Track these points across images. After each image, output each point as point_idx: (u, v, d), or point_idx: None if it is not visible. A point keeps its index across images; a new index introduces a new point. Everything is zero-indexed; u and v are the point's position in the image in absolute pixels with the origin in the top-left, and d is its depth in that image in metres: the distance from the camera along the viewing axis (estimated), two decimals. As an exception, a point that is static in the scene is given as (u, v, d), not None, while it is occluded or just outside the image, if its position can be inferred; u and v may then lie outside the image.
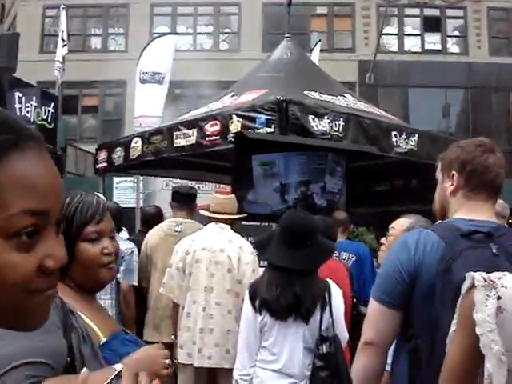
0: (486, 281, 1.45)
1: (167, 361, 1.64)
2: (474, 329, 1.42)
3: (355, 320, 4.04)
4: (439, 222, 2.37)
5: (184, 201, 5.69)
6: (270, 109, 5.60)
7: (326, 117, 5.79)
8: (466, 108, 21.75)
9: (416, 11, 22.62)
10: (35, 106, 8.18)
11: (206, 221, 4.95)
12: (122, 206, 6.42)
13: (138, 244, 5.53)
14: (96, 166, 8.26)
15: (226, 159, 6.78)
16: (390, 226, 3.65)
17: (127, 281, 5.17)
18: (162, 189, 14.97)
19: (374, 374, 2.27)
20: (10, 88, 8.16)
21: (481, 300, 1.43)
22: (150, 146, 6.94)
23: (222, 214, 4.73)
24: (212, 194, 5.22)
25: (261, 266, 4.39)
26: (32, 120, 8.08)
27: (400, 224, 3.52)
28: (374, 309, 2.24)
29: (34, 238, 0.77)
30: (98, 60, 21.11)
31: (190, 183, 9.60)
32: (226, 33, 23.29)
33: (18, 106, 8.01)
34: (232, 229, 4.76)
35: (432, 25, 22.49)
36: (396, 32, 22.61)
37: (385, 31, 20.45)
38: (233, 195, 5.07)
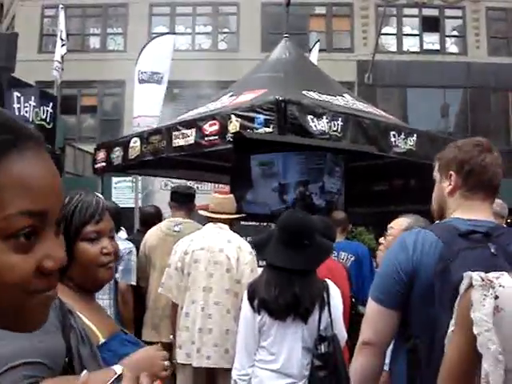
0: (483, 280, 1.46)
1: (166, 362, 1.64)
2: (472, 328, 1.42)
3: (354, 320, 4.04)
4: (437, 221, 2.38)
5: (183, 201, 5.69)
6: (268, 109, 5.60)
7: (324, 117, 5.79)
8: (465, 108, 21.76)
9: (415, 11, 22.62)
10: (34, 106, 8.18)
11: (204, 221, 4.95)
12: (121, 205, 6.43)
13: (137, 244, 5.53)
14: (95, 166, 8.26)
15: (224, 159, 6.78)
16: (389, 225, 3.65)
17: (125, 280, 5.18)
18: (161, 189, 14.99)
19: (372, 374, 2.27)
20: (9, 88, 8.16)
21: (478, 299, 1.44)
22: (148, 146, 6.94)
23: (221, 213, 4.73)
24: (211, 194, 5.21)
25: (259, 266, 4.40)
26: (31, 120, 8.08)
27: (399, 224, 3.52)
28: (372, 309, 2.24)
29: (32, 238, 0.77)
30: (96, 60, 21.09)
31: (189, 183, 9.62)
32: (224, 33, 23.27)
33: (16, 105, 8.00)
34: (231, 229, 4.76)
35: (431, 25, 22.49)
36: (395, 32, 22.60)
37: (383, 31, 20.43)
38: (231, 195, 5.07)
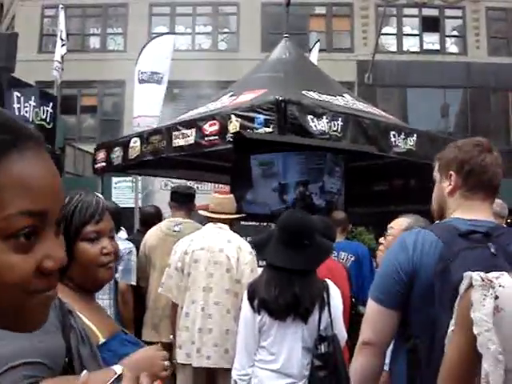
0: (483, 280, 1.46)
1: (166, 362, 1.64)
2: (472, 328, 1.42)
3: (354, 320, 4.04)
4: (437, 221, 2.38)
5: (183, 201, 5.69)
6: (268, 109, 5.60)
7: (324, 117, 5.79)
8: (465, 108, 21.76)
9: (415, 11, 22.62)
10: (34, 106, 8.18)
11: (204, 221, 4.95)
12: (121, 205, 6.43)
13: (137, 244, 5.53)
14: (95, 166, 8.26)
15: (224, 159, 6.79)
16: (389, 225, 3.65)
17: (125, 280, 5.18)
18: (161, 189, 14.99)
19: (372, 374, 2.27)
20: (9, 88, 8.15)
21: (478, 299, 1.43)
22: (148, 146, 6.94)
23: (221, 213, 4.73)
24: (211, 194, 5.21)
25: (259, 266, 4.39)
26: (31, 120, 8.07)
27: (399, 224, 3.52)
28: (372, 309, 2.24)
29: (32, 238, 0.77)
30: (96, 60, 21.10)
31: (189, 183, 9.62)
32: (224, 33, 23.28)
33: (16, 105, 8.00)
34: (231, 229, 4.76)
35: (430, 25, 22.49)
36: (395, 32, 22.60)
37: (383, 31, 20.43)
38: (231, 195, 5.07)
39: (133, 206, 11.00)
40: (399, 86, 21.26)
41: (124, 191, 15.19)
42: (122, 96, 21.00)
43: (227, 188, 6.95)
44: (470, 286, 1.48)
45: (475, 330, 1.41)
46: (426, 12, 22.54)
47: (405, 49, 22.44)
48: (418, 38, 22.63)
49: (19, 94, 7.97)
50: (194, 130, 6.22)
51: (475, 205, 2.22)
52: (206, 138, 6.06)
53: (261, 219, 6.18)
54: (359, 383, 2.30)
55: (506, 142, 20.23)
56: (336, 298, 3.42)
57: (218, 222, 4.71)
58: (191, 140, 6.24)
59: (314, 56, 11.95)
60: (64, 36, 13.42)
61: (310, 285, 3.32)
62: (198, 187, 10.42)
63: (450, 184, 2.27)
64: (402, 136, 6.44)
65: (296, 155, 5.99)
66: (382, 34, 20.30)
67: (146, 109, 10.99)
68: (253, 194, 6.05)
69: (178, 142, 6.43)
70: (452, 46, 22.74)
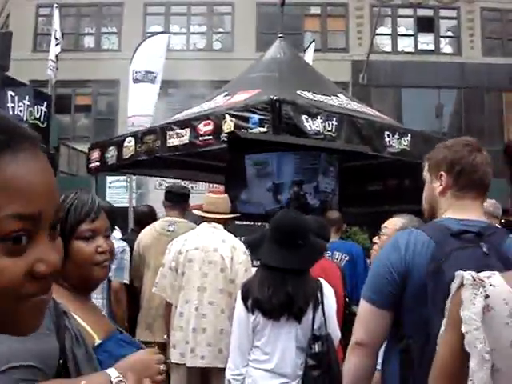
0: (474, 279, 1.46)
1: (162, 366, 1.63)
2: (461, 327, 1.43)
3: (347, 319, 4.04)
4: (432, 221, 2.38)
5: (177, 200, 5.69)
6: (263, 108, 5.60)
7: (319, 117, 5.80)
8: (459, 108, 21.82)
9: (409, 11, 22.67)
10: (28, 105, 8.15)
11: (198, 221, 4.95)
12: (115, 205, 6.42)
13: (131, 243, 5.53)
14: (89, 166, 8.24)
15: (219, 159, 6.79)
16: (383, 225, 3.66)
17: (118, 279, 5.17)
18: (155, 188, 14.98)
19: (365, 375, 2.27)
20: (3, 87, 8.12)
21: (468, 298, 1.44)
22: (143, 146, 6.93)
23: (215, 213, 4.72)
24: (205, 194, 5.21)
25: (254, 266, 4.39)
26: (25, 119, 8.04)
27: (393, 223, 3.53)
28: (364, 309, 2.24)
29: (24, 242, 0.75)
30: (91, 59, 21.06)
31: (183, 183, 9.60)
32: (219, 32, 23.28)
33: (10, 105, 7.97)
34: (225, 228, 4.76)
35: (425, 25, 22.55)
36: (389, 32, 22.65)
37: (378, 31, 20.48)
38: (226, 195, 5.07)
39: (127, 205, 10.99)
40: (394, 86, 21.30)
41: (118, 191, 15.19)
42: (117, 95, 20.97)
43: (221, 188, 6.95)
44: (462, 285, 1.48)
45: (463, 329, 1.42)
46: (421, 12, 22.59)
47: (399, 49, 22.49)
48: (412, 38, 22.69)
49: (13, 93, 7.94)
50: (188, 130, 6.22)
51: (466, 204, 2.22)
52: (200, 138, 6.06)
53: (255, 219, 6.18)
54: (351, 384, 2.30)
55: (500, 141, 20.21)
56: (330, 297, 3.42)
57: (213, 221, 4.71)
58: (185, 140, 6.24)
59: (309, 56, 11.96)
60: (58, 35, 13.38)
61: (304, 284, 3.32)
62: (192, 187, 10.42)
63: (440, 184, 2.28)
64: (397, 136, 6.45)
65: (290, 155, 6.00)
66: (377, 34, 20.35)
67: (140, 108, 10.97)
68: (247, 193, 6.06)
69: (173, 141, 6.42)
70: (446, 47, 22.80)
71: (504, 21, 22.46)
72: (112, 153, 7.52)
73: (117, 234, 7.59)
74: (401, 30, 22.81)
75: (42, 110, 8.38)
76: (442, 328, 1.55)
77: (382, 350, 2.32)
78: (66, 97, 20.85)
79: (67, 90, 20.63)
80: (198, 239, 4.62)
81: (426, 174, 2.38)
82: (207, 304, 4.47)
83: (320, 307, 3.31)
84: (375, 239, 3.80)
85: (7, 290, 0.75)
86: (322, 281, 3.45)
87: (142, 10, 22.45)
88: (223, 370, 3.70)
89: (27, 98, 8.12)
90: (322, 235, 4.02)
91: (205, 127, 6.01)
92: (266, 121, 5.54)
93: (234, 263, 4.50)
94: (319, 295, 3.33)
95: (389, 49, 22.44)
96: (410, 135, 6.62)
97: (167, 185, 8.85)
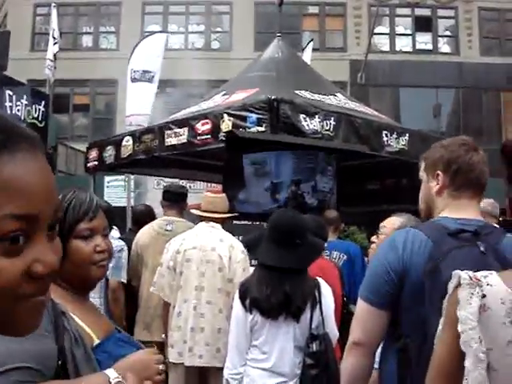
0: (471, 279, 1.46)
1: (161, 366, 1.62)
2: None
3: (345, 318, 4.04)
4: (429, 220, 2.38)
5: (175, 200, 5.68)
6: (261, 108, 5.61)
7: (317, 116, 5.80)
8: (457, 108, 21.83)
9: (407, 11, 22.69)
10: (26, 105, 8.13)
11: (196, 220, 4.94)
12: (113, 204, 6.37)
13: (129, 243, 5.53)
14: (87, 165, 8.24)
15: (217, 158, 6.78)
16: (381, 224, 3.66)
17: (116, 277, 5.17)
18: (154, 188, 14.94)
19: (362, 374, 2.27)
20: (1, 86, 8.10)
21: (465, 298, 1.44)
22: (141, 145, 6.94)
23: (213, 212, 4.72)
24: (203, 193, 5.21)
25: (252, 265, 4.39)
26: (23, 118, 8.03)
27: (391, 223, 3.52)
28: (361, 308, 2.24)
29: (21, 242, 0.75)
30: (89, 58, 21.05)
31: (181, 182, 9.61)
32: (217, 32, 23.28)
33: (8, 104, 7.96)
34: (223, 228, 4.76)
35: (423, 25, 22.57)
36: (387, 32, 22.66)
37: (376, 31, 20.47)
38: (224, 194, 5.07)
39: (125, 205, 10.97)
40: (392, 85, 21.32)
41: (116, 190, 15.15)
42: (115, 95, 20.96)
43: (219, 187, 6.95)
44: (459, 284, 1.48)
45: (459, 328, 1.42)
46: (419, 12, 22.61)
47: (397, 48, 22.51)
48: (410, 37, 22.71)
49: (11, 93, 7.93)
50: (186, 129, 6.22)
51: (463, 203, 2.22)
52: (198, 137, 6.06)
53: (253, 218, 6.18)
54: (349, 383, 2.30)
55: (498, 141, 20.25)
56: (327, 296, 3.43)
57: (211, 221, 4.71)
58: (184, 139, 6.24)
59: (307, 55, 11.95)
60: (56, 34, 13.38)
61: (302, 283, 3.32)
62: (190, 186, 10.41)
63: (437, 183, 2.28)
64: (394, 135, 6.46)
65: (288, 154, 6.00)
66: (375, 34, 20.35)
67: (137, 107, 10.97)
68: (245, 193, 6.06)
69: (171, 140, 6.43)
70: (444, 46, 22.82)
71: (502, 20, 22.48)
72: (110, 152, 7.53)
73: (115, 233, 7.58)
74: (399, 30, 22.83)
75: (39, 109, 8.36)
76: (440, 328, 1.55)
77: (379, 349, 2.32)
78: (64, 96, 20.81)
79: (65, 89, 20.59)
80: (196, 238, 4.62)
81: (422, 174, 2.38)
82: (205, 303, 4.47)
83: (318, 306, 3.31)
84: (373, 238, 3.80)
85: (4, 290, 0.75)
86: (320, 280, 3.45)
87: (140, 10, 22.44)
88: (221, 369, 3.70)
89: (25, 97, 8.11)
90: (319, 234, 4.02)
91: (203, 126, 6.01)
92: (263, 120, 5.54)
93: (232, 262, 4.50)
94: (317, 294, 3.33)
95: (387, 48, 22.45)
96: (407, 135, 6.63)
97: (165, 184, 8.84)
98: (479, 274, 1.48)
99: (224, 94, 6.90)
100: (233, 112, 5.80)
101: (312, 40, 14.29)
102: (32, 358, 1.30)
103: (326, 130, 5.84)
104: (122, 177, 13.07)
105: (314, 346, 3.27)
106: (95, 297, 4.77)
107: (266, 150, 5.91)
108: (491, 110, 21.58)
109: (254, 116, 5.58)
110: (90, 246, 1.77)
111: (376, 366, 2.36)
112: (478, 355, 1.38)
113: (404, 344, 2.12)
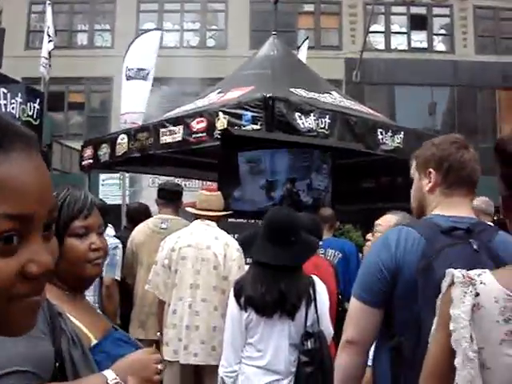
0: (464, 277, 1.46)
1: (159, 366, 1.61)
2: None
3: (340, 316, 4.04)
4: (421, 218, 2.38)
5: (170, 198, 5.68)
6: (256, 106, 5.61)
7: (312, 114, 5.81)
8: (452, 106, 21.87)
9: (403, 9, 22.70)
10: (20, 103, 8.12)
11: (192, 218, 4.94)
12: (108, 202, 6.36)
13: (124, 241, 5.52)
14: (82, 163, 8.24)
15: (212, 156, 6.78)
16: (376, 222, 3.67)
17: (110, 275, 5.16)
18: (149, 186, 14.94)
19: (355, 373, 2.27)
20: (-5, 84, 8.09)
21: (458, 296, 1.44)
22: (136, 143, 6.93)
23: (208, 210, 4.72)
24: (198, 191, 5.21)
25: (247, 264, 4.40)
26: (17, 116, 8.02)
27: (387, 220, 3.53)
28: (355, 307, 2.24)
29: (15, 242, 0.74)
30: (84, 56, 20.98)
31: (177, 180, 9.59)
32: (212, 30, 23.25)
33: (3, 102, 7.94)
34: (218, 226, 4.76)
35: (418, 23, 22.59)
36: (383, 30, 22.68)
37: (371, 29, 20.48)
38: (219, 192, 5.07)
39: (120, 202, 10.96)
40: (387, 83, 21.32)
41: (111, 188, 15.12)
42: (110, 93, 20.94)
43: (215, 185, 6.94)
44: (452, 283, 1.48)
45: (451, 327, 1.42)
46: (414, 10, 22.63)
47: (393, 47, 22.52)
48: (405, 36, 22.73)
49: (6, 91, 7.91)
50: (181, 127, 6.22)
51: (455, 201, 2.22)
52: (193, 135, 6.06)
53: (248, 216, 6.18)
54: (342, 382, 2.30)
55: (493, 139, 20.24)
56: (322, 293, 3.43)
57: (206, 219, 4.71)
58: (179, 137, 6.24)
59: (302, 54, 11.96)
60: (51, 32, 13.34)
61: (297, 281, 3.33)
62: (185, 184, 10.42)
63: (429, 181, 2.28)
64: (390, 134, 6.47)
65: (283, 152, 6.01)
66: (370, 32, 20.35)
67: (132, 105, 10.95)
68: (240, 191, 6.06)
69: (166, 138, 6.42)
70: (440, 45, 22.85)
71: (497, 19, 22.52)
72: (105, 150, 7.52)
73: (110, 231, 7.58)
74: (394, 28, 22.84)
75: (34, 107, 8.35)
76: (434, 327, 1.55)
77: (372, 346, 2.33)
78: (59, 94, 20.76)
79: (60, 87, 20.54)
80: (191, 237, 4.62)
81: (413, 172, 2.39)
82: (200, 301, 4.47)
83: (313, 304, 3.32)
84: (368, 236, 3.82)
85: None
86: (315, 277, 3.45)
87: (135, 7, 22.40)
88: (216, 367, 3.70)
89: (20, 95, 8.09)
90: (314, 232, 4.03)
91: (198, 124, 6.01)
92: (259, 118, 5.54)
93: (227, 260, 4.50)
94: (312, 292, 3.34)
95: (382, 47, 22.47)
96: (402, 133, 6.65)
97: (160, 182, 8.83)
98: (472, 273, 1.48)
99: (219, 92, 6.90)
100: (228, 110, 5.80)
101: (307, 38, 14.30)
102: (28, 361, 1.30)
103: (321, 128, 5.85)
104: (117, 175, 13.05)
105: (309, 344, 3.27)
106: (89, 294, 4.75)
107: (261, 148, 5.91)
108: (486, 108, 21.62)
109: (249, 114, 5.58)
110: (84, 244, 1.75)
111: (369, 362, 2.36)
112: (468, 354, 1.38)
113: (397, 342, 2.12)
